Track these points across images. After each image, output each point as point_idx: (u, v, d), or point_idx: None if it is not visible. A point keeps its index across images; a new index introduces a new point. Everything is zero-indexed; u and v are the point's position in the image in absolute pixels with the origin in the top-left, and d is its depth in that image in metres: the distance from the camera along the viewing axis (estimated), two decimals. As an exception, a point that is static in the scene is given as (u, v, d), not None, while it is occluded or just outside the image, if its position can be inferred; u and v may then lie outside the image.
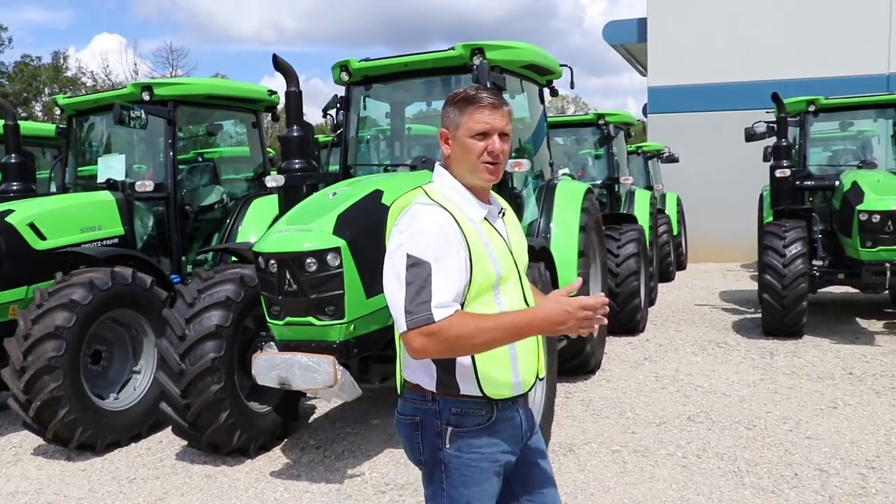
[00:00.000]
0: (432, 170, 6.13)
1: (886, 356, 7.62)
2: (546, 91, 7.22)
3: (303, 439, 5.75)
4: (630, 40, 19.56)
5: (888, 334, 8.72)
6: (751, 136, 9.82)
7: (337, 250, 4.49)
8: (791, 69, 16.42)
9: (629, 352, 8.20)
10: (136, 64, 38.19)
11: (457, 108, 2.31)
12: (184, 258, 7.36)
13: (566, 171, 10.64)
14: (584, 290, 7.51)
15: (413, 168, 6.09)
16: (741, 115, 13.15)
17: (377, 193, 5.00)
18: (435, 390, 2.29)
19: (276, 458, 5.38)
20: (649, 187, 14.88)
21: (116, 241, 6.83)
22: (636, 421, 5.85)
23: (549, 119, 7.85)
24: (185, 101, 7.43)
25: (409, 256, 2.16)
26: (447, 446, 2.31)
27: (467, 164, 2.30)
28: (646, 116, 19.54)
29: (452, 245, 2.18)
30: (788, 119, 9.54)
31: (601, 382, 6.96)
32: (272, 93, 8.05)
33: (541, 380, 2.45)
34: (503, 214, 2.45)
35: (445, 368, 2.27)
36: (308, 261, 4.47)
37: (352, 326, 4.61)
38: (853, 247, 8.25)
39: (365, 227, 4.67)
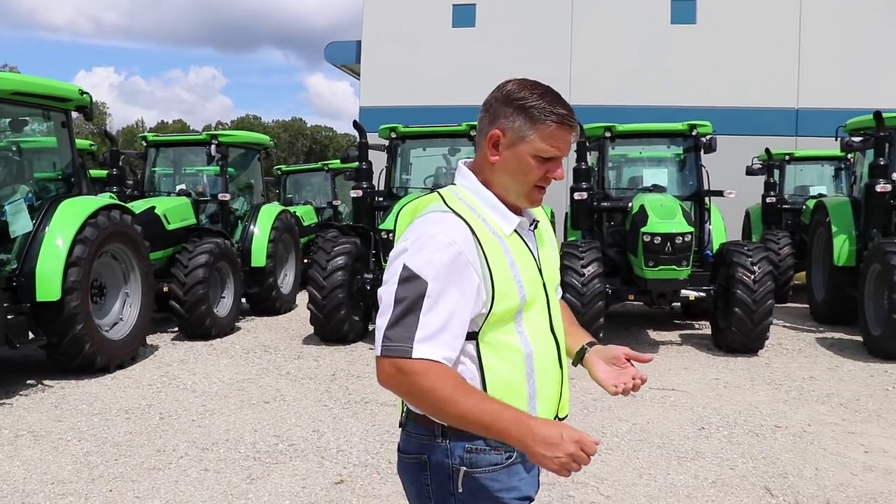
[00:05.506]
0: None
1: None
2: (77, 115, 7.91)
3: None
4: (350, 61, 20.62)
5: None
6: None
7: None
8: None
9: (167, 354, 8.95)
10: None
11: (527, 116, 1.92)
12: None
13: (182, 186, 11.26)
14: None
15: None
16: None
17: None
18: (445, 423, 1.93)
19: None
20: (330, 203, 16.03)
21: None
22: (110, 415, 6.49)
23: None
24: None
25: (405, 268, 1.84)
26: (460, 491, 1.97)
27: (517, 184, 1.96)
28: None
29: (460, 268, 1.84)
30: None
31: (107, 381, 7.61)
32: None
33: (560, 420, 2.10)
34: (535, 226, 2.10)
35: None
36: None
37: None
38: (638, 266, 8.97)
39: None
